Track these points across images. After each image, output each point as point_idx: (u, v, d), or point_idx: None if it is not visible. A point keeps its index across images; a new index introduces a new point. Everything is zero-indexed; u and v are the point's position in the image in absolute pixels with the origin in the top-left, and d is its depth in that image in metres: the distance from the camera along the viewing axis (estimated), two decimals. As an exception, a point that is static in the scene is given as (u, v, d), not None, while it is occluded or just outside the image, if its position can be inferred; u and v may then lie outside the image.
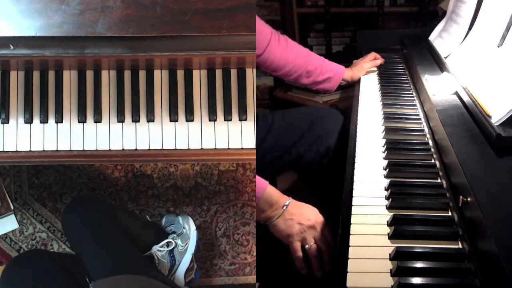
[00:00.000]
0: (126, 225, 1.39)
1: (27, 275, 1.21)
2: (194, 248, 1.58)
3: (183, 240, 1.56)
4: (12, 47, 1.06)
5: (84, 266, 1.23)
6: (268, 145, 1.47)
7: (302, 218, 1.06)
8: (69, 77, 1.18)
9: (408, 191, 0.92)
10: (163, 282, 1.17)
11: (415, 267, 0.72)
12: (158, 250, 1.50)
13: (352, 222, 0.84)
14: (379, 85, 1.57)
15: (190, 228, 1.61)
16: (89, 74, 1.18)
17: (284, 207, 1.07)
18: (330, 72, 1.60)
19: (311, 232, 1.06)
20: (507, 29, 1.05)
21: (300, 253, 1.07)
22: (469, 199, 0.75)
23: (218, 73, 1.19)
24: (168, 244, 1.53)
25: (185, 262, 1.55)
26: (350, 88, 1.72)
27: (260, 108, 2.68)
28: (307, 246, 1.06)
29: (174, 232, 1.59)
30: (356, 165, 1.03)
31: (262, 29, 1.46)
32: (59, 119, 1.17)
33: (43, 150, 1.16)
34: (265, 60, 1.50)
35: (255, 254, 1.81)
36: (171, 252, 1.53)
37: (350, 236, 0.81)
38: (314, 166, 1.48)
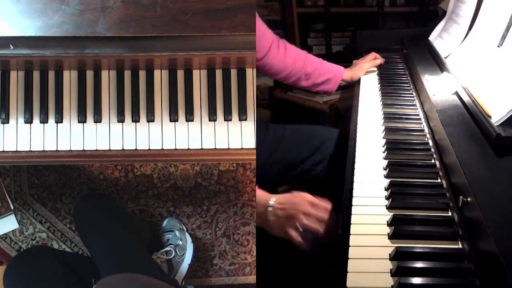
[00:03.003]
0: (132, 227, 1.42)
1: (31, 271, 1.22)
2: (191, 259, 1.64)
3: (180, 251, 1.62)
4: (12, 47, 1.06)
5: (93, 259, 1.25)
6: (276, 159, 1.47)
7: (288, 210, 1.05)
8: (69, 77, 1.18)
9: (408, 191, 0.92)
10: (167, 282, 1.17)
11: (415, 267, 0.72)
12: (157, 257, 1.53)
13: (352, 222, 0.84)
14: (379, 85, 1.57)
15: (187, 240, 1.68)
16: (89, 74, 1.18)
17: (270, 208, 1.06)
18: (329, 73, 1.60)
19: (299, 216, 1.03)
20: (507, 29, 1.05)
21: (299, 239, 1.04)
22: (469, 199, 0.75)
23: (218, 73, 1.19)
24: (167, 253, 1.56)
25: (182, 271, 1.59)
26: (350, 88, 1.72)
27: (260, 108, 2.68)
28: (302, 226, 1.03)
29: (171, 244, 1.62)
30: (356, 165, 1.03)
31: (264, 33, 1.46)
32: (59, 119, 1.17)
33: (43, 150, 1.16)
34: (264, 65, 1.51)
35: (255, 254, 1.81)
36: (169, 261, 1.56)
37: (350, 236, 0.81)
38: (316, 182, 1.49)
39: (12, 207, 1.77)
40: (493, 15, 1.18)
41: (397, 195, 0.90)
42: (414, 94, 1.43)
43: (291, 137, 1.51)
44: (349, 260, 0.75)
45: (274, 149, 1.48)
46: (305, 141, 1.50)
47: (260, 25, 1.44)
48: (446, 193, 0.90)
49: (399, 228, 0.81)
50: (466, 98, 1.06)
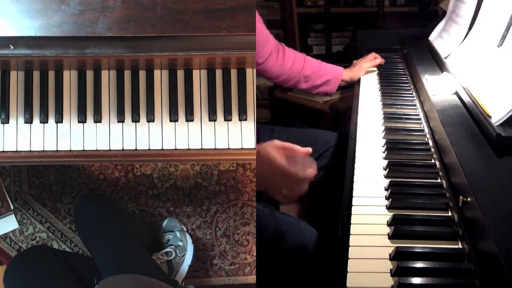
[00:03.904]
0: (133, 227, 1.42)
1: (31, 271, 1.22)
2: (191, 260, 1.64)
3: (181, 251, 1.61)
4: (12, 47, 1.05)
5: (93, 260, 1.25)
6: None
7: (276, 177, 0.99)
8: (69, 77, 1.18)
9: (408, 191, 0.92)
10: (167, 282, 1.18)
11: (415, 267, 0.72)
12: (157, 258, 1.53)
13: (352, 222, 0.84)
14: (379, 85, 1.57)
15: (187, 241, 1.67)
16: (89, 74, 1.18)
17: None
18: (328, 74, 1.60)
19: (282, 190, 0.98)
20: (507, 29, 1.05)
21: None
22: (469, 199, 0.75)
23: (218, 73, 1.19)
24: (167, 254, 1.56)
25: (182, 272, 1.59)
26: (350, 88, 1.73)
27: (260, 108, 2.68)
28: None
29: (171, 245, 1.62)
30: (356, 165, 1.03)
31: (268, 39, 1.47)
32: (59, 119, 1.17)
33: (43, 150, 1.16)
34: (264, 70, 1.52)
35: (255, 254, 1.81)
36: (169, 261, 1.56)
37: (350, 236, 0.81)
38: (318, 186, 1.49)
39: (12, 207, 1.77)
40: (493, 15, 1.18)
41: (397, 195, 0.90)
42: (414, 94, 1.43)
43: (296, 142, 1.50)
44: (349, 260, 0.75)
45: None
46: (310, 146, 1.50)
47: (263, 30, 1.44)
48: (446, 193, 0.90)
49: (399, 228, 0.81)
50: (466, 98, 1.06)
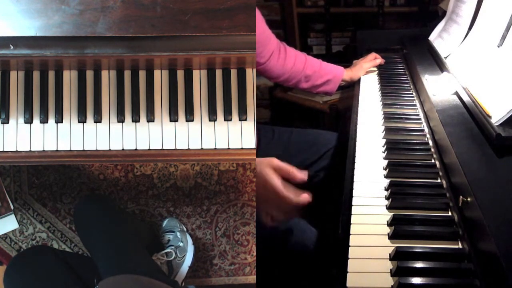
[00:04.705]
0: (133, 227, 1.43)
1: (31, 271, 1.22)
2: (191, 261, 1.64)
3: (181, 252, 1.61)
4: (12, 47, 1.06)
5: (93, 261, 1.25)
6: None
7: (262, 193, 0.97)
8: (69, 77, 1.18)
9: (408, 191, 0.92)
10: (167, 283, 1.18)
11: (415, 267, 0.72)
12: (157, 258, 1.53)
13: (352, 222, 0.84)
14: (379, 85, 1.57)
15: (188, 242, 1.67)
16: (89, 74, 1.18)
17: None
18: (329, 74, 1.60)
19: (269, 206, 0.97)
20: (507, 29, 1.05)
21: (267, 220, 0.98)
22: (469, 199, 0.75)
23: (218, 73, 1.19)
24: (167, 254, 1.56)
25: (182, 272, 1.59)
26: (350, 88, 1.73)
27: (260, 108, 2.68)
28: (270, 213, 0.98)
29: (171, 245, 1.62)
30: (356, 165, 1.03)
31: (270, 39, 1.47)
32: (59, 119, 1.17)
33: (43, 150, 1.16)
34: (265, 69, 1.52)
35: (255, 254, 1.81)
36: (169, 262, 1.56)
37: (350, 236, 0.81)
38: (318, 187, 1.48)
39: (12, 207, 1.77)
40: (493, 15, 1.18)
41: (397, 195, 0.90)
42: (414, 94, 1.43)
43: (297, 142, 1.51)
44: (349, 260, 0.75)
45: (280, 153, 1.47)
46: (311, 147, 1.50)
47: (265, 30, 1.44)
48: (446, 193, 0.90)
49: (399, 228, 0.81)
50: (466, 98, 1.06)
